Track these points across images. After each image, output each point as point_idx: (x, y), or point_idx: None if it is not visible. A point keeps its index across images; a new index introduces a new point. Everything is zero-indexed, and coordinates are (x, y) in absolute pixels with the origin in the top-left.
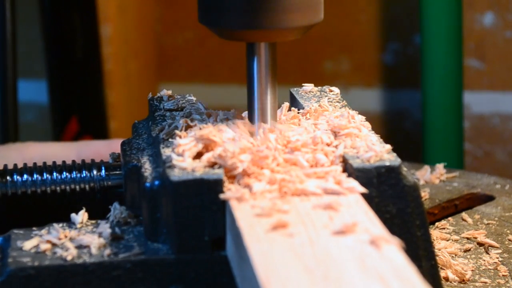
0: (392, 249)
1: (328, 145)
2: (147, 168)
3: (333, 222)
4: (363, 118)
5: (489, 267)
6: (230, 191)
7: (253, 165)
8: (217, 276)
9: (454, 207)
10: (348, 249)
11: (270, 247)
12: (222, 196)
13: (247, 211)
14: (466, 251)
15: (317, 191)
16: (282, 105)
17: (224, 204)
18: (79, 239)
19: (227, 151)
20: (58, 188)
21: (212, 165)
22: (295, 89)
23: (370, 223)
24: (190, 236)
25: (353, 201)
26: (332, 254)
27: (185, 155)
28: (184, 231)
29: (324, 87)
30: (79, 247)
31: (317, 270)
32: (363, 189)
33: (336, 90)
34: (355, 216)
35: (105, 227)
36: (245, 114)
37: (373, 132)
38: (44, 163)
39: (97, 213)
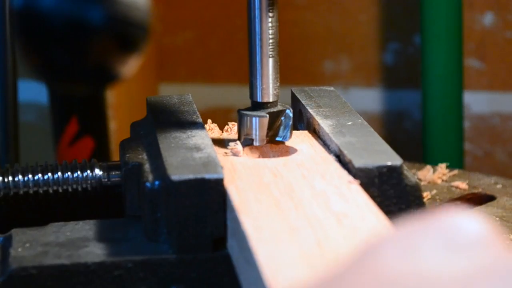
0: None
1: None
2: (147, 168)
3: (341, 223)
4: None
5: None
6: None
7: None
8: (218, 275)
9: None
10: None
11: (277, 248)
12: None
13: (251, 211)
14: None
15: (324, 191)
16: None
17: (225, 203)
18: None
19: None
20: (59, 188)
21: None
22: (296, 88)
23: (376, 220)
24: (191, 235)
25: (361, 202)
26: (341, 254)
27: None
28: (185, 230)
29: (324, 87)
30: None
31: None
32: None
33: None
34: (364, 218)
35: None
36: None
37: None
38: (46, 162)
39: (98, 213)
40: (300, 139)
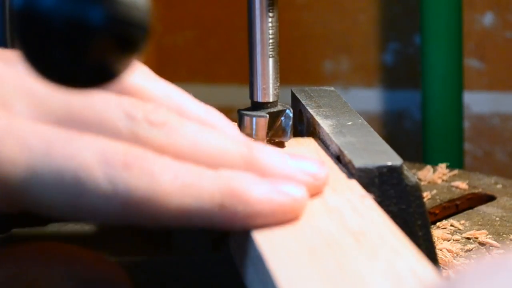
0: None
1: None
2: None
3: (359, 241)
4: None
5: None
6: None
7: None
8: (218, 275)
9: (455, 207)
10: (380, 272)
11: (298, 272)
12: None
13: (266, 231)
14: (467, 251)
15: (336, 206)
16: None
17: None
18: None
19: None
20: None
21: None
22: (296, 88)
23: (396, 241)
24: (190, 236)
25: (376, 218)
26: (362, 276)
27: None
28: (185, 230)
29: (324, 87)
30: None
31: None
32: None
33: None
34: (382, 235)
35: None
36: None
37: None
38: None
39: None
40: (304, 147)
